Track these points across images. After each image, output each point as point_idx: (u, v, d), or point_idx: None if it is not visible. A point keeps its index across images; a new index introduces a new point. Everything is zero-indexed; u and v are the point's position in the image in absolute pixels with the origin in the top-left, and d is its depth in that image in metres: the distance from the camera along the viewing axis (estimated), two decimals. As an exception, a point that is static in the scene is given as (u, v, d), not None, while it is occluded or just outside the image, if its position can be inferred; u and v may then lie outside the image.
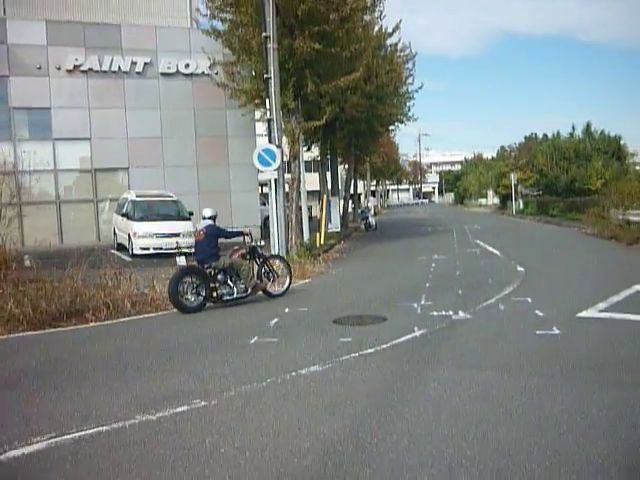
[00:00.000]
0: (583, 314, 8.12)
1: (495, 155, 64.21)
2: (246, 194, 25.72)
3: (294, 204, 17.79)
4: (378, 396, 5.15)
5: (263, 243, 11.57)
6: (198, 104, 24.72)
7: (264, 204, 27.30)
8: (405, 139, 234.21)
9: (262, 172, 15.48)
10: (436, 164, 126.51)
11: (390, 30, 24.76)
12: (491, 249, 17.66)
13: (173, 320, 9.17)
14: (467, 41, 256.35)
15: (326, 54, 17.11)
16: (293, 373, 5.87)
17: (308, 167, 35.70)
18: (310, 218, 26.30)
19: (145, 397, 5.28)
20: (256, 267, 10.78)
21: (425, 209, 69.12)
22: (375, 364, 6.15)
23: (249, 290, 10.38)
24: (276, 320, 8.68)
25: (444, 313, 8.61)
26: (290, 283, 11.33)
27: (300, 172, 17.99)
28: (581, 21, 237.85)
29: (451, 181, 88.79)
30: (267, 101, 15.69)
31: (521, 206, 41.90)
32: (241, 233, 10.97)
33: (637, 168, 40.97)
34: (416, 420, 4.51)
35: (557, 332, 7.15)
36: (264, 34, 15.45)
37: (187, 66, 24.39)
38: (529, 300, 9.30)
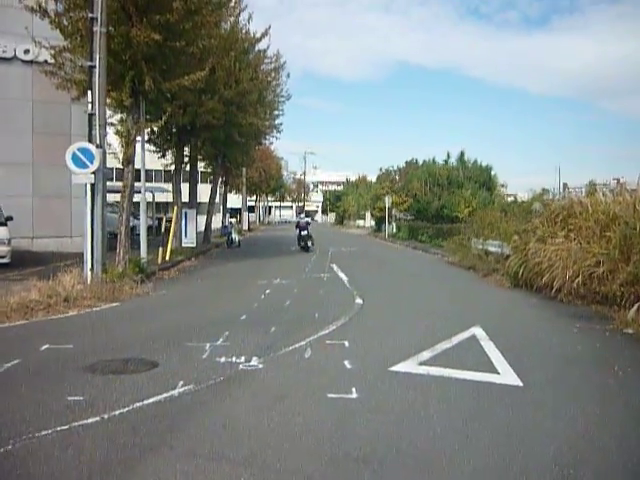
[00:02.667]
0: (398, 367, 6.61)
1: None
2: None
3: (124, 214, 15.59)
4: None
5: None
6: (38, 96, 21.83)
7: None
8: (293, 157, 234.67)
9: (76, 175, 13.21)
10: (323, 183, 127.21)
11: (258, 35, 23.36)
12: (342, 275, 16.27)
13: None
14: (361, 67, 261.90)
15: (169, 48, 15.17)
16: None
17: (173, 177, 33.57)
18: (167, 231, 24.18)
19: None
20: None
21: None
22: (85, 443, 4.30)
23: None
24: (16, 362, 6.62)
25: (234, 359, 6.87)
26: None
27: (133, 178, 15.79)
28: (469, 58, 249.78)
29: (332, 201, 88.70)
30: (89, 93, 13.47)
31: (394, 230, 41.52)
32: None
33: (508, 199, 41.77)
34: None
35: (354, 396, 5.57)
36: (90, 15, 13.29)
37: (27, 52, 21.50)
38: (346, 344, 7.75)
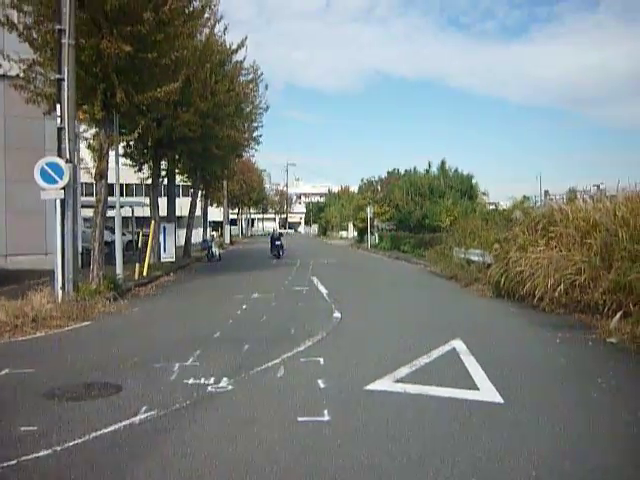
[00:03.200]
0: (374, 386, 6.32)
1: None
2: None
3: (97, 230, 15.22)
4: None
5: None
6: (10, 110, 21.35)
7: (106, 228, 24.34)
8: (276, 169, 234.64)
9: (45, 190, 12.83)
10: (305, 195, 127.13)
11: (235, 47, 23.14)
12: (321, 288, 15.98)
13: None
14: (343, 78, 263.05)
15: (141, 60, 14.87)
16: None
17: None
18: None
19: None
20: None
21: (286, 239, 67.63)
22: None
23: None
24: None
25: (203, 381, 6.54)
26: None
27: (106, 193, 15.44)
28: (449, 68, 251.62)
29: (315, 212, 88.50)
30: (58, 107, 13.12)
31: (377, 240, 41.32)
32: None
33: (490, 207, 41.69)
34: None
35: (325, 419, 5.27)
36: (58, 27, 12.97)
37: (-1, 66, 21.07)
38: (321, 361, 7.45)
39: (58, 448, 4.61)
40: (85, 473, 4.17)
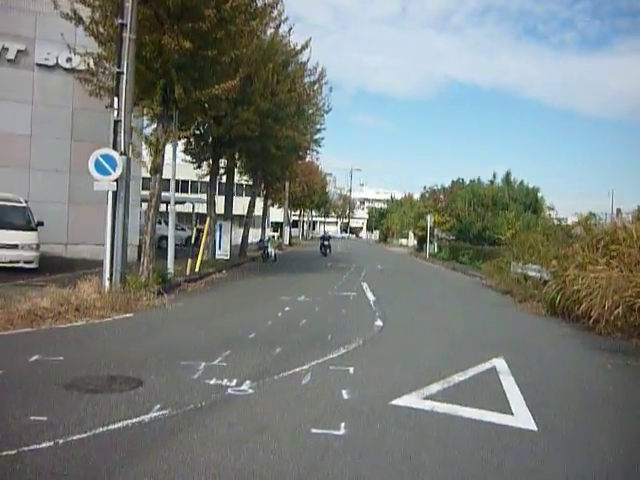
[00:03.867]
0: (400, 401, 5.99)
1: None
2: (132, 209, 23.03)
3: (149, 224, 15.36)
4: None
5: None
6: (79, 103, 21.94)
7: (160, 222, 24.77)
8: (342, 173, 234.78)
9: (98, 181, 13.02)
10: (369, 200, 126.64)
11: (299, 47, 23.10)
12: (369, 295, 15.65)
13: None
14: (415, 84, 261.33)
15: (201, 57, 14.95)
16: None
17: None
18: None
19: None
20: None
21: (346, 244, 67.42)
22: (22, 475, 3.84)
23: None
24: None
25: (224, 382, 6.36)
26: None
27: (160, 188, 15.56)
28: (524, 78, 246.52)
29: (376, 218, 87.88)
30: (115, 99, 13.29)
31: (435, 250, 40.56)
32: None
33: (555, 223, 40.34)
34: None
35: (340, 433, 4.98)
36: (120, 21, 13.14)
37: (69, 60, 21.67)
38: (350, 371, 7.16)
39: (60, 441, 4.49)
40: (77, 471, 4.02)
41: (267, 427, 5.03)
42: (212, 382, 6.36)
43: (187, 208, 41.87)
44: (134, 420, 5.04)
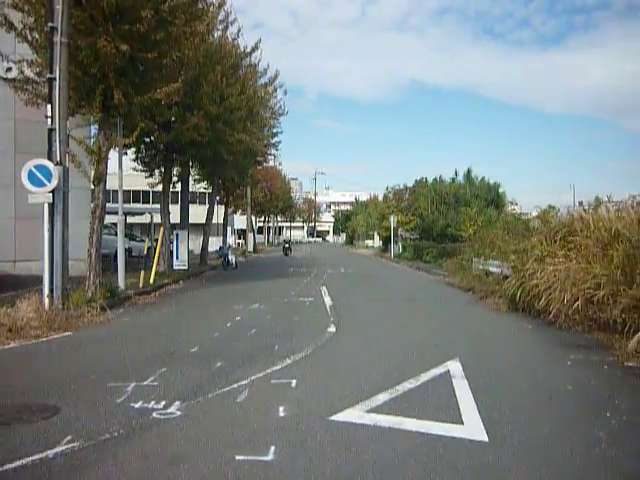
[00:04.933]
0: (341, 416, 5.49)
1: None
2: (80, 222, 22.15)
3: (94, 236, 14.68)
4: None
5: None
6: (21, 114, 21.01)
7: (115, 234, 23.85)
8: (308, 178, 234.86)
9: (32, 194, 12.32)
10: (335, 203, 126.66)
11: (249, 49, 22.57)
12: (327, 299, 15.15)
13: None
14: (377, 87, 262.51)
15: (141, 60, 14.34)
16: None
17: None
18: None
19: None
20: None
21: (312, 248, 67.02)
22: None
23: None
24: None
25: (151, 405, 5.80)
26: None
27: (104, 198, 14.90)
28: (484, 77, 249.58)
29: (341, 221, 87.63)
30: (49, 107, 12.61)
31: (400, 250, 40.32)
32: None
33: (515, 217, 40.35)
34: None
35: (268, 459, 4.46)
36: (50, 24, 12.47)
37: (9, 70, 20.73)
38: (292, 384, 6.65)
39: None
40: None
41: (184, 457, 4.48)
42: (137, 405, 5.80)
43: (146, 219, 40.93)
44: (35, 457, 4.45)
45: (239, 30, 21.99)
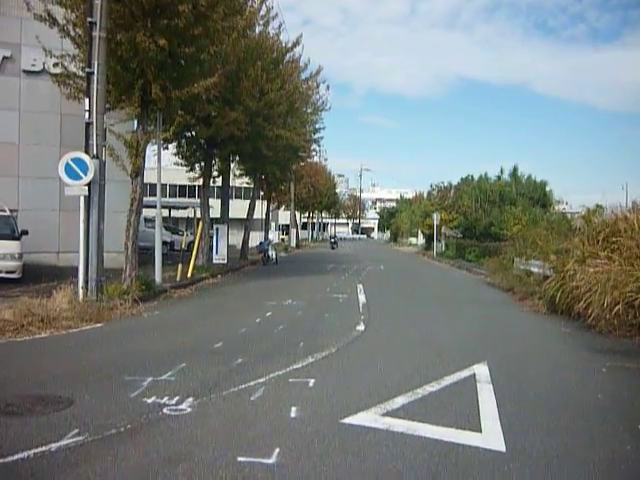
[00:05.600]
0: (353, 418, 5.31)
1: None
2: (121, 215, 22.50)
3: (131, 229, 14.82)
4: None
5: None
6: (67, 109, 21.41)
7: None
8: (354, 174, 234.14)
9: (69, 186, 12.50)
10: (381, 200, 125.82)
11: (290, 45, 22.49)
12: (361, 297, 14.97)
13: None
14: (424, 83, 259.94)
15: (179, 54, 14.39)
16: None
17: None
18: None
19: None
20: None
21: (355, 245, 66.77)
22: None
23: None
24: None
25: (164, 400, 5.74)
26: None
27: (141, 191, 15.03)
28: (535, 73, 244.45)
29: (386, 218, 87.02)
30: (86, 101, 12.76)
31: (443, 248, 39.75)
32: None
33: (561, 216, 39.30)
34: None
35: (270, 462, 4.32)
36: (89, 19, 12.61)
37: (56, 65, 21.15)
38: (310, 383, 6.50)
39: (-62, 480, 3.90)
40: None
41: (187, 456, 4.38)
42: (150, 401, 5.74)
43: (191, 213, 41.45)
44: (38, 450, 4.41)
45: (280, 25, 21.95)
